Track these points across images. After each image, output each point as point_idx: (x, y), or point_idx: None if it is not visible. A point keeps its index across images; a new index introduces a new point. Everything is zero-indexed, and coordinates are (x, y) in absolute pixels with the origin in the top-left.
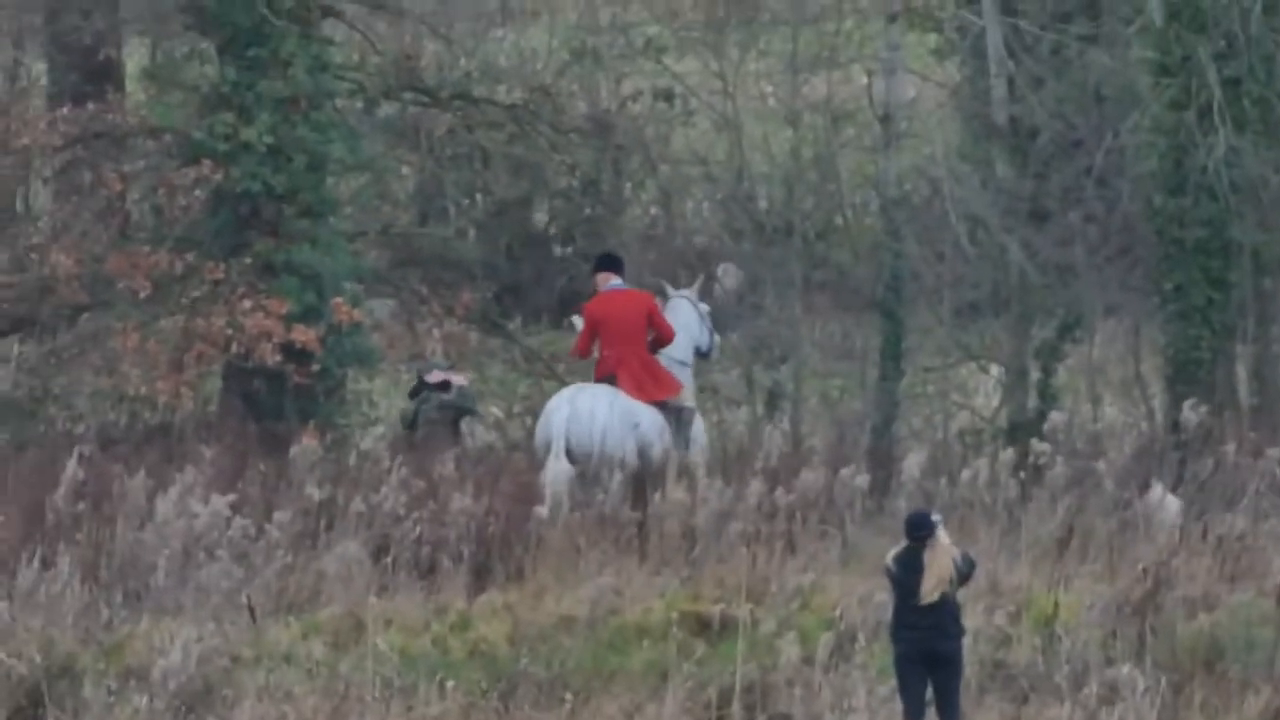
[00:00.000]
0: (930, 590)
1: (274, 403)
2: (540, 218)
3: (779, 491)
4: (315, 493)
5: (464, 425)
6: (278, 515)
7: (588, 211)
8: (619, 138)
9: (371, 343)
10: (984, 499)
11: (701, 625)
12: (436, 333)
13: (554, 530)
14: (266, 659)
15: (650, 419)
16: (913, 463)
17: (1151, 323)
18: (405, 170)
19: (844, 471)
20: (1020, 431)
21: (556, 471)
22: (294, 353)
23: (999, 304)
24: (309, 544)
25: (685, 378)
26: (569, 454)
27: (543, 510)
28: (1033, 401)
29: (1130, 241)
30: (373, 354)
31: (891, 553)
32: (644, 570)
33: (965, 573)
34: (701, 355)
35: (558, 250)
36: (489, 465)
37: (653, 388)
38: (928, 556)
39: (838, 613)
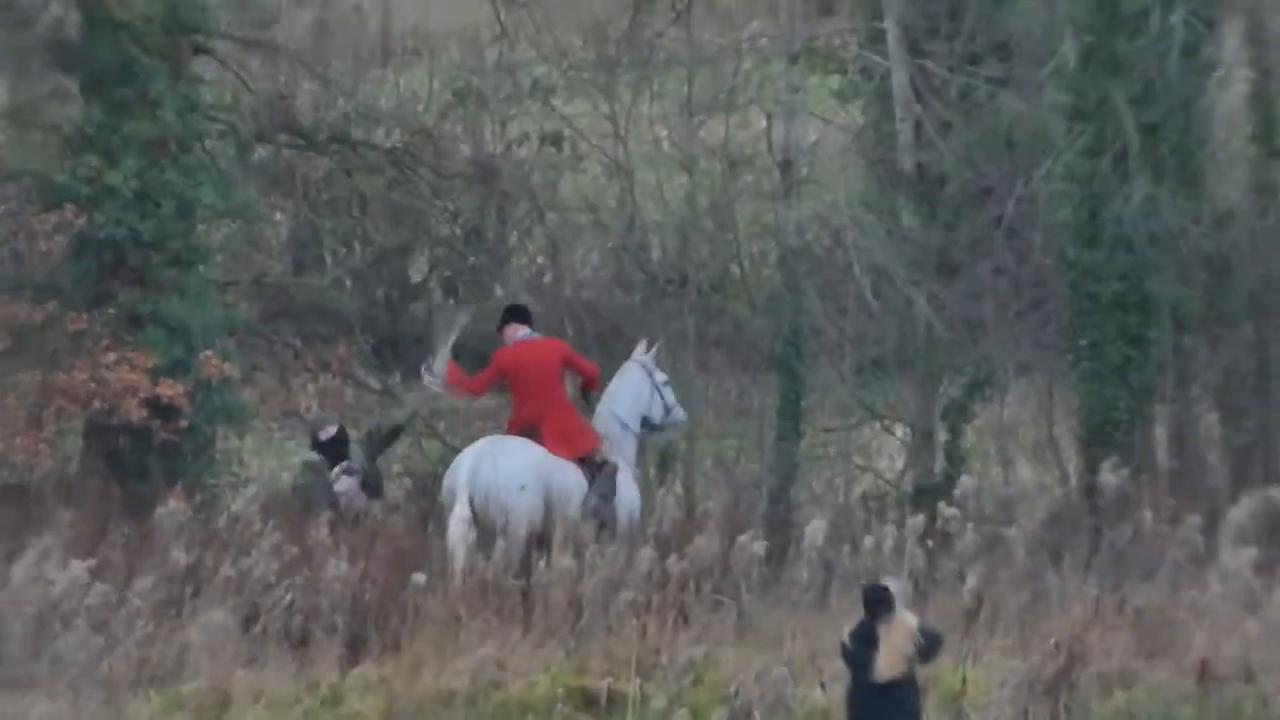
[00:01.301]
0: (887, 667)
1: (138, 462)
2: (421, 267)
3: (671, 559)
4: (181, 557)
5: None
6: (140, 582)
7: (471, 261)
8: (504, 183)
9: (243, 399)
10: (888, 568)
11: (588, 701)
12: (311, 388)
13: (433, 598)
14: None
15: (570, 475)
16: (813, 529)
17: (1065, 381)
18: (279, 216)
19: (740, 538)
20: (927, 496)
21: (458, 528)
22: (160, 409)
23: (904, 361)
24: (173, 612)
25: (627, 442)
26: (473, 510)
27: (420, 577)
28: (940, 464)
29: (1043, 295)
30: (244, 410)
31: (848, 628)
32: (528, 641)
33: (927, 648)
34: (652, 427)
35: (439, 301)
36: (365, 529)
37: (579, 440)
38: (884, 631)
39: (732, 689)
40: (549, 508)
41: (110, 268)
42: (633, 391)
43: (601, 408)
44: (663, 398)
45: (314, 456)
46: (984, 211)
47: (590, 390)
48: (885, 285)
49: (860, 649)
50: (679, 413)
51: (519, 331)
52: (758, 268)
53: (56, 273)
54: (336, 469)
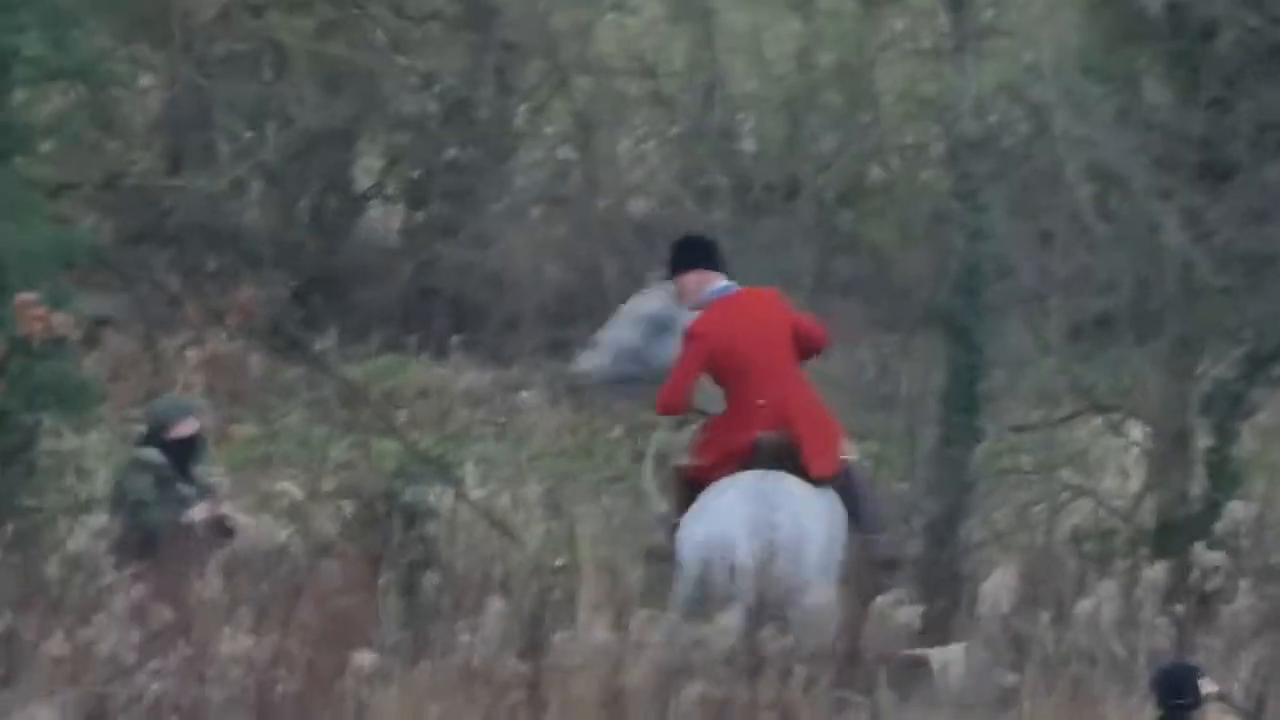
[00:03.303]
0: None
1: None
2: (369, 163)
3: (767, 631)
4: None
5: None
6: None
7: (452, 154)
8: (506, 30)
9: (84, 371)
10: (1114, 649)
11: None
12: (194, 355)
13: (386, 692)
14: None
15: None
16: (996, 585)
17: None
18: (147, 80)
19: (880, 599)
20: (1177, 535)
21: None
22: None
23: (1145, 320)
24: None
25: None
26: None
27: (368, 658)
28: (1199, 485)
29: None
30: (85, 390)
31: None
32: None
33: None
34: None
35: (398, 221)
36: (279, 582)
37: (835, 444)
38: None
39: None
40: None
41: None
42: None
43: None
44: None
45: (154, 455)
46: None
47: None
48: (1116, 198)
49: None
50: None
51: (713, 281)
52: (912, 169)
53: None
54: (187, 488)
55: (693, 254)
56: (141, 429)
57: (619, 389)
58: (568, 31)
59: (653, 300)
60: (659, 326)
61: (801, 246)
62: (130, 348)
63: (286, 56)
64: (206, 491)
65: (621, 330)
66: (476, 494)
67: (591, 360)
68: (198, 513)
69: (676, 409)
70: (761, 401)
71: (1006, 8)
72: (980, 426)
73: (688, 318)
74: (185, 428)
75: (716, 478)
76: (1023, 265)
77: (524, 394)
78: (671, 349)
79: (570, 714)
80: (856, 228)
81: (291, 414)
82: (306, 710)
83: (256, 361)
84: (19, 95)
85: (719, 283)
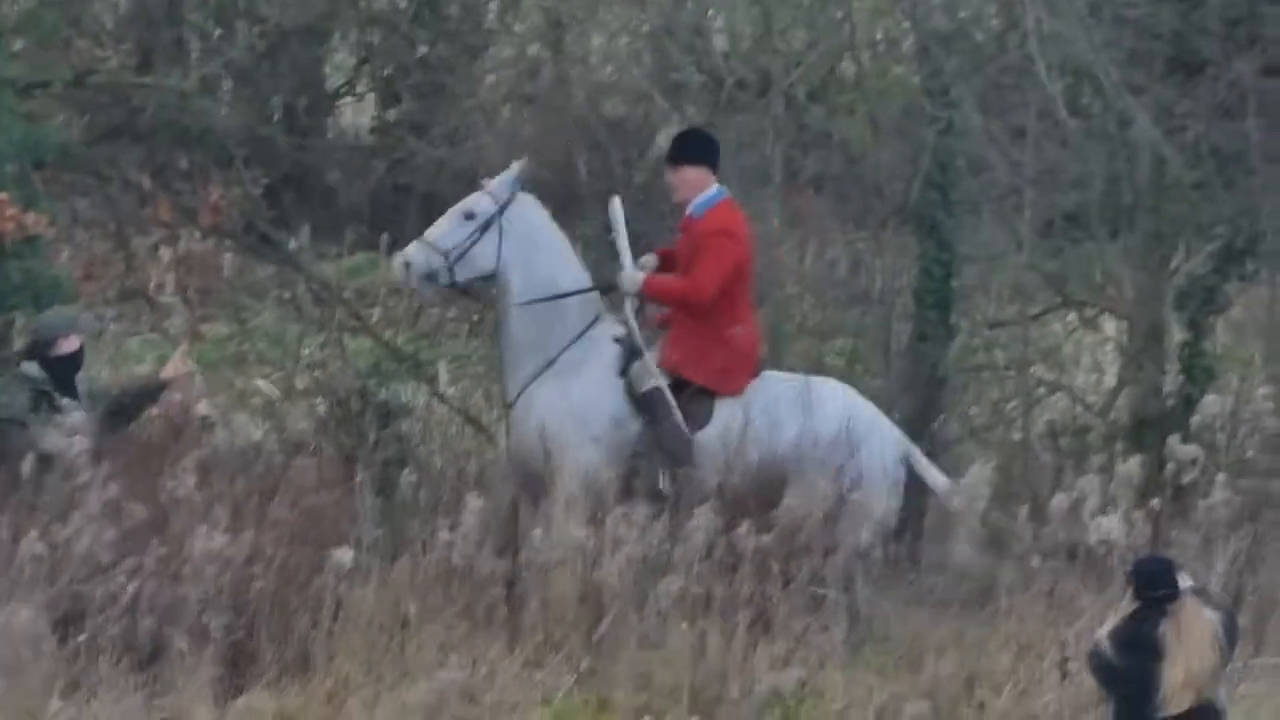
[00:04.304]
0: (1180, 687)
1: None
2: (341, 61)
3: (745, 527)
4: None
5: None
6: None
7: (422, 52)
8: None
9: (56, 270)
10: (1089, 544)
11: None
12: (166, 253)
13: (364, 589)
14: None
15: None
16: (973, 482)
17: None
18: None
19: (854, 496)
20: (1152, 430)
21: None
22: None
23: (1117, 216)
24: None
25: None
26: None
27: (346, 555)
28: (1173, 380)
29: None
30: (60, 289)
31: (1106, 625)
32: (516, 658)
33: (1229, 652)
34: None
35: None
36: (255, 480)
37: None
38: (1172, 630)
39: None
40: None
41: None
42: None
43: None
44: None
45: (33, 370)
46: None
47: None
48: (1088, 93)
49: (1134, 661)
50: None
51: (712, 183)
52: (882, 64)
53: None
54: (68, 402)
55: (699, 150)
56: (23, 342)
57: (440, 289)
58: None
59: (480, 200)
60: (483, 226)
61: (772, 143)
62: (102, 246)
63: None
64: (84, 406)
65: (449, 229)
66: (450, 392)
67: (413, 255)
68: (68, 343)
69: (702, 304)
70: (749, 312)
71: None
72: (953, 323)
73: (520, 222)
74: (69, 344)
75: (735, 386)
76: (994, 161)
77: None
78: (492, 249)
79: (548, 610)
80: (827, 124)
81: (264, 312)
82: (283, 608)
83: (229, 260)
84: None
85: (715, 185)
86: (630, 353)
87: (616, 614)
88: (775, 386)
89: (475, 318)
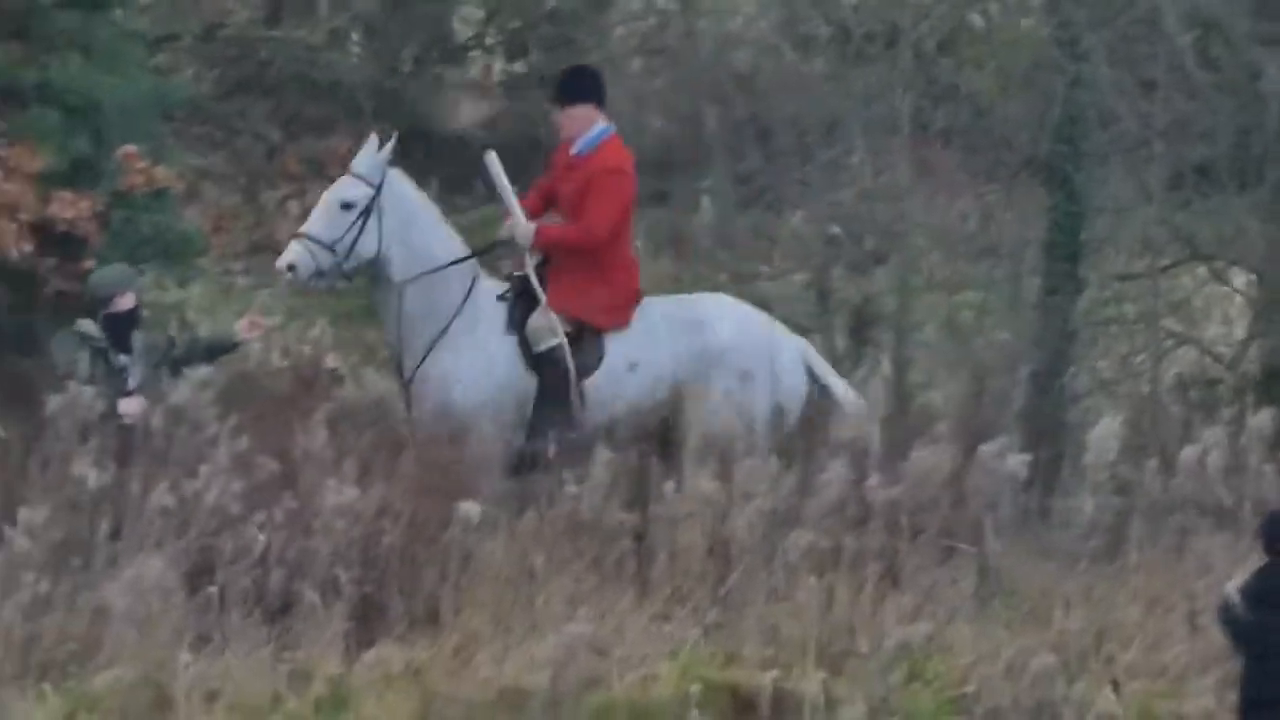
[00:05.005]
0: None
1: (19, 325)
2: (470, 13)
3: (874, 481)
4: (90, 475)
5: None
6: (26, 514)
7: (550, 4)
8: None
9: (185, 223)
10: (1220, 497)
11: (741, 705)
12: (294, 206)
13: (493, 542)
14: None
15: None
16: (1102, 435)
17: None
18: None
19: (985, 449)
20: None
21: None
22: (55, 240)
23: (1246, 168)
24: (79, 562)
25: None
26: None
27: (473, 509)
28: None
29: None
30: (188, 242)
31: (1235, 580)
32: (644, 612)
33: None
34: None
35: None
36: (383, 434)
37: None
38: None
39: (970, 688)
40: None
41: None
42: None
43: None
44: None
45: (90, 328)
46: None
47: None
48: (1217, 43)
49: (1262, 615)
50: None
51: (600, 120)
52: (1012, 16)
53: None
54: (123, 358)
55: (587, 88)
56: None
57: (322, 283)
58: None
59: (354, 187)
60: (363, 213)
61: (901, 96)
62: (231, 200)
63: None
64: (141, 361)
65: (329, 221)
66: None
67: (297, 256)
68: (124, 300)
69: (598, 247)
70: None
71: None
72: (1082, 276)
73: (394, 201)
74: (125, 301)
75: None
76: (1123, 113)
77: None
78: (374, 235)
79: (676, 563)
80: (956, 76)
81: None
82: (412, 561)
83: None
84: None
85: (601, 122)
86: (513, 309)
87: (745, 567)
88: (655, 310)
89: None
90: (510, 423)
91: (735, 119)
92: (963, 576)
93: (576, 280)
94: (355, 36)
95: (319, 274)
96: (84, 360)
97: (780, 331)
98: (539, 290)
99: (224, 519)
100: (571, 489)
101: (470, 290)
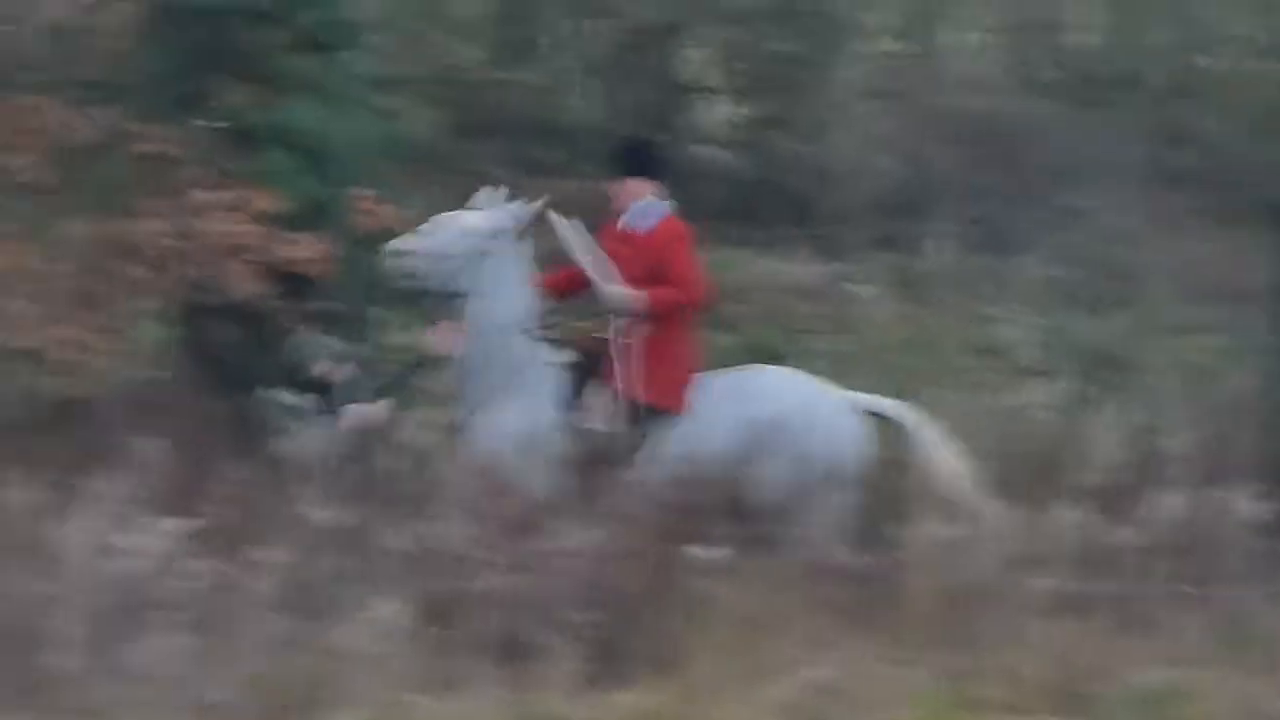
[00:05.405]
0: None
1: (252, 364)
2: (699, 56)
3: (1114, 525)
4: (323, 516)
5: None
6: (263, 554)
7: (780, 48)
8: None
9: None
10: None
11: None
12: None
13: (726, 586)
14: None
15: None
16: None
17: None
18: None
19: (1223, 493)
20: None
21: None
22: (286, 280)
23: None
24: (316, 601)
25: None
26: None
27: (704, 552)
28: None
29: None
30: None
31: None
32: (881, 655)
33: None
34: None
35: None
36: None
37: None
38: None
39: None
40: None
41: (204, 52)
42: None
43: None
44: None
45: (291, 399)
46: None
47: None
48: None
49: None
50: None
51: (650, 196)
52: (1257, 57)
53: (120, 60)
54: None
55: (645, 161)
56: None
57: (423, 292)
58: None
59: (475, 219)
60: (474, 248)
61: (1133, 138)
62: None
63: None
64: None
65: (441, 237)
66: None
67: (419, 244)
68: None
69: (699, 302)
70: None
71: None
72: None
73: (500, 253)
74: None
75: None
76: None
77: (856, 287)
78: (473, 271)
79: (915, 607)
80: (1197, 117)
81: None
82: (649, 604)
83: None
84: None
85: (659, 198)
86: (571, 380)
87: (984, 611)
88: (713, 385)
89: (835, 313)
90: (545, 486)
91: (966, 161)
92: (1204, 622)
93: (645, 359)
94: (584, 80)
95: (413, 276)
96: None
97: (836, 396)
98: (614, 361)
99: (457, 561)
100: (809, 533)
101: (532, 353)
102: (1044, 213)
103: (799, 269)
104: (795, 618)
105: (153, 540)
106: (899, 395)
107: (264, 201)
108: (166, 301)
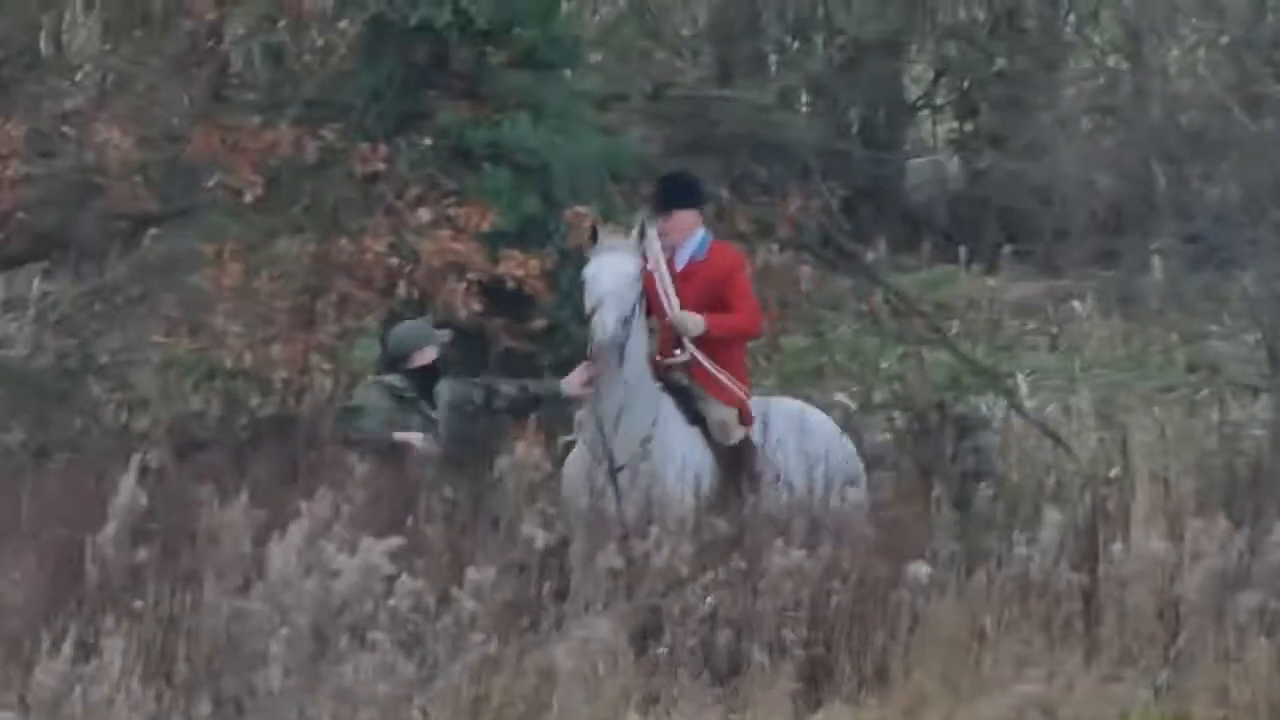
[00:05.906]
0: None
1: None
2: (920, 73)
3: None
4: (538, 536)
5: None
6: (474, 574)
7: (999, 66)
8: None
9: None
10: None
11: None
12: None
13: (942, 603)
14: None
15: None
16: None
17: None
18: None
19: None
20: None
21: None
22: (504, 297)
23: None
24: (527, 623)
25: None
26: None
27: (923, 570)
28: None
29: None
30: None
31: None
32: (1093, 673)
33: None
34: None
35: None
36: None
37: None
38: None
39: None
40: None
41: (423, 72)
42: None
43: None
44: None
45: (395, 381)
46: None
47: None
48: None
49: None
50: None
51: (699, 228)
52: None
53: (339, 81)
54: (430, 410)
55: (689, 192)
56: (380, 353)
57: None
58: None
59: (630, 262)
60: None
61: None
62: None
63: None
64: (449, 412)
65: (622, 290)
66: (1028, 405)
67: (610, 316)
68: (423, 356)
69: (758, 331)
70: None
71: None
72: None
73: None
74: (425, 356)
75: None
76: None
77: (1075, 304)
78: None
79: (1126, 624)
80: None
81: (842, 325)
82: (861, 621)
83: (806, 272)
84: (566, 7)
85: (701, 227)
86: (682, 403)
87: (1195, 628)
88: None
89: (1053, 330)
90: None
91: (1185, 178)
92: None
93: (721, 376)
94: (805, 96)
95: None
96: (390, 406)
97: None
98: (715, 378)
99: (672, 579)
100: (1021, 550)
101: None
102: (1263, 229)
103: (1017, 286)
104: (1006, 634)
105: (354, 560)
106: (1115, 411)
107: (482, 219)
108: (386, 321)
